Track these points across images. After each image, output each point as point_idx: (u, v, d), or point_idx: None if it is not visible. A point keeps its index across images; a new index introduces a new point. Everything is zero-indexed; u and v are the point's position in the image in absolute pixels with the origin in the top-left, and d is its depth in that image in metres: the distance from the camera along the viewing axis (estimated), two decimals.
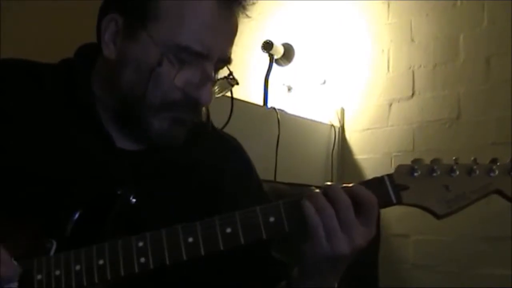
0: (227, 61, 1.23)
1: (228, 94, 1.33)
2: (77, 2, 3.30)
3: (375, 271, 2.84)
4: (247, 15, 1.22)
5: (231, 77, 1.25)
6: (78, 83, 1.25)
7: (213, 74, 1.19)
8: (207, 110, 1.34)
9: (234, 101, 2.72)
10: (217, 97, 1.25)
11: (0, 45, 2.80)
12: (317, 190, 1.06)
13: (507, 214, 2.47)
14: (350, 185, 1.06)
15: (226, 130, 1.42)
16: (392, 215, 2.95)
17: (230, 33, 1.22)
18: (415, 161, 1.07)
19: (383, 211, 3.05)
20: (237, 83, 1.26)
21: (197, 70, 1.17)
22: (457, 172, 1.04)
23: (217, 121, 1.38)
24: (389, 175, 1.07)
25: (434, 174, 1.05)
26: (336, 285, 1.12)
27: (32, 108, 1.23)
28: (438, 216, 1.05)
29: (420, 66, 3.08)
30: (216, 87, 1.24)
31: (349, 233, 1.03)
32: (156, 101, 1.17)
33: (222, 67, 1.23)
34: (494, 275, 2.63)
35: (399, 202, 1.06)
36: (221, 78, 1.24)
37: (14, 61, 1.31)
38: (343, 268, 1.10)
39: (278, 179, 2.84)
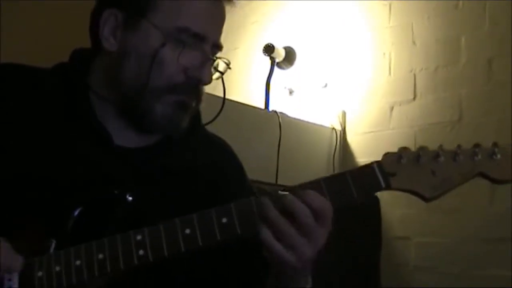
0: (219, 47, 1.29)
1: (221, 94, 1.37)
2: (77, 2, 3.30)
3: (377, 273, 2.84)
4: (233, 3, 1.31)
5: (224, 61, 1.32)
6: (75, 86, 1.27)
7: (211, 55, 1.26)
8: (199, 112, 1.36)
9: (236, 104, 2.76)
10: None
11: (0, 45, 2.81)
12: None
13: (508, 216, 2.47)
14: (304, 190, 1.07)
15: (227, 133, 1.43)
16: (394, 217, 2.95)
17: (220, 19, 1.30)
18: (402, 149, 1.15)
19: (385, 214, 3.05)
20: (229, 67, 1.33)
21: (197, 52, 1.24)
22: (442, 158, 1.10)
23: (215, 122, 1.41)
24: (377, 162, 1.12)
25: (421, 160, 1.10)
26: (309, 285, 1.14)
27: (31, 111, 1.24)
28: (426, 199, 1.09)
29: (422, 68, 3.07)
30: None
31: (309, 237, 1.05)
32: (160, 85, 1.22)
33: (215, 53, 1.29)
34: (495, 277, 2.62)
35: (388, 187, 1.10)
36: (216, 58, 1.29)
37: (12, 66, 1.32)
38: (310, 268, 1.12)
39: (279, 182, 2.85)
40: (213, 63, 1.28)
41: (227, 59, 1.32)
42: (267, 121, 2.97)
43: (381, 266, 2.87)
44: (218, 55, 1.30)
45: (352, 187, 1.09)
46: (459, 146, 1.10)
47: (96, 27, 1.26)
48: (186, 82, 1.23)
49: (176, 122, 1.25)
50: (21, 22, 3.38)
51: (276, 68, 3.42)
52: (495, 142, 1.08)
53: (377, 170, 1.10)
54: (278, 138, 2.93)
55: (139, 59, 1.23)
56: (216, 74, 1.32)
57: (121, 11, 1.24)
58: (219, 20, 1.29)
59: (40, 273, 1.07)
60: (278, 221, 1.04)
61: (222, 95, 1.38)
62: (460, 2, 2.98)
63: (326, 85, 3.40)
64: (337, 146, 3.26)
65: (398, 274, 2.99)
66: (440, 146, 1.11)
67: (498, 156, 1.07)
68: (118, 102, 1.26)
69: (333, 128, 3.27)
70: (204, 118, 1.40)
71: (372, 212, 2.78)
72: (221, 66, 1.33)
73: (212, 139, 1.42)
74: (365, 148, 3.23)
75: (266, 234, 1.04)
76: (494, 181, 1.07)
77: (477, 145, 1.08)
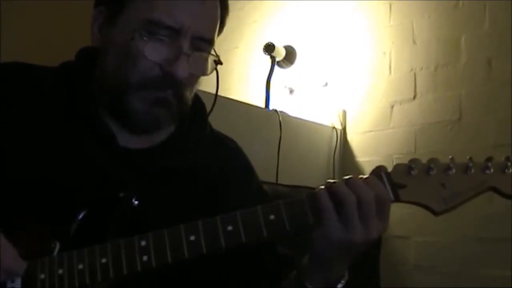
0: (207, 41, 1.24)
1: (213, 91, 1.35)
2: (77, 2, 3.31)
3: (376, 272, 2.84)
4: None
5: (215, 56, 1.27)
6: (78, 86, 1.26)
7: (187, 49, 1.20)
8: (205, 112, 1.35)
9: (236, 103, 2.75)
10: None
11: (0, 45, 2.81)
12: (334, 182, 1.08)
13: (507, 215, 2.47)
14: (369, 178, 1.08)
15: (227, 132, 1.42)
16: (393, 216, 2.90)
17: (204, 11, 1.23)
18: (412, 160, 1.09)
19: None
20: (221, 63, 1.27)
21: (172, 46, 1.19)
22: (453, 170, 1.06)
23: (215, 121, 1.39)
24: (387, 173, 1.09)
25: (431, 173, 1.07)
26: (346, 274, 1.14)
27: (33, 110, 1.24)
28: (435, 213, 1.07)
29: (422, 68, 3.07)
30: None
31: (366, 224, 1.05)
32: (135, 80, 1.19)
33: (205, 48, 1.25)
34: (494, 276, 2.63)
35: (397, 200, 1.08)
36: (193, 51, 1.23)
37: (14, 65, 1.32)
38: (353, 257, 1.12)
39: (279, 181, 2.84)
40: (188, 57, 1.20)
41: (214, 54, 1.27)
42: (267, 120, 2.96)
43: (380, 265, 2.87)
44: (220, 50, 1.27)
45: None
46: (471, 159, 1.06)
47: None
48: (161, 77, 1.19)
49: (155, 118, 1.22)
50: (21, 22, 3.38)
51: (276, 67, 3.42)
52: (508, 156, 1.05)
53: (386, 181, 1.09)
54: (279, 137, 2.93)
55: (118, 53, 1.21)
56: (207, 68, 1.27)
57: (106, 7, 1.25)
58: (203, 11, 1.23)
59: (42, 276, 1.07)
60: (343, 190, 1.05)
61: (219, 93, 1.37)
62: (460, 2, 2.98)
63: (326, 84, 3.41)
64: (338, 145, 3.26)
65: (397, 273, 3.00)
66: (452, 159, 1.07)
67: (511, 170, 1.05)
68: (107, 98, 1.24)
69: (334, 127, 3.28)
70: None
71: None
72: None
73: (219, 139, 1.40)
74: (365, 147, 3.24)
75: (331, 218, 1.05)
76: (505, 196, 1.05)
77: (489, 159, 1.06)
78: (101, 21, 1.25)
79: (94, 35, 1.26)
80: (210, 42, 1.25)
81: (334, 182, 1.08)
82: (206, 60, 1.26)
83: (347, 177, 1.08)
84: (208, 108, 1.39)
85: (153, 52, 1.18)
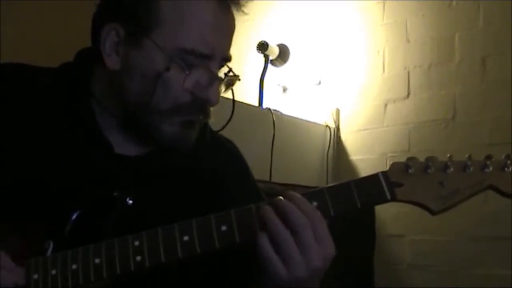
0: (228, 59, 1.23)
1: (229, 95, 1.33)
2: (77, 3, 3.30)
3: (370, 271, 2.84)
4: (243, 11, 1.23)
5: (232, 74, 1.25)
6: (77, 89, 1.25)
7: (217, 73, 1.20)
8: None
9: (229, 102, 2.73)
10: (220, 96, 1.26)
11: (0, 45, 2.80)
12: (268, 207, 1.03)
13: (505, 214, 2.47)
14: (298, 197, 1.03)
15: (222, 131, 1.41)
16: (388, 215, 2.95)
17: (229, 31, 1.23)
18: (410, 158, 1.06)
19: (379, 211, 3.05)
20: (239, 79, 1.27)
21: (204, 71, 1.17)
22: (452, 169, 1.04)
23: (216, 122, 1.38)
24: (383, 172, 1.06)
25: (429, 171, 1.04)
26: None
27: (31, 113, 1.23)
28: (433, 212, 1.04)
29: (416, 66, 3.08)
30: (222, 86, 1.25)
31: (306, 255, 1.00)
32: (165, 107, 1.17)
33: (223, 66, 1.24)
34: (491, 275, 2.63)
35: (394, 199, 1.05)
36: (225, 75, 1.24)
37: (13, 65, 1.31)
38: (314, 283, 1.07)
39: (273, 180, 2.84)
40: (222, 81, 1.21)
41: (235, 74, 1.26)
42: (261, 118, 2.96)
43: (374, 264, 2.87)
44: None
45: (357, 197, 1.05)
46: (469, 157, 1.04)
47: (97, 38, 1.20)
48: (193, 102, 1.17)
49: (184, 140, 1.21)
50: (21, 22, 3.36)
51: (269, 66, 3.41)
52: (508, 154, 1.03)
53: (382, 180, 1.05)
54: (272, 136, 2.93)
55: (143, 80, 1.16)
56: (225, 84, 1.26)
57: (123, 26, 1.17)
58: (228, 32, 1.22)
59: (36, 276, 1.06)
60: (278, 228, 1.00)
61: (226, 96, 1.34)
62: (454, 1, 2.98)
63: (320, 83, 3.41)
64: (331, 144, 3.27)
65: (392, 272, 3.00)
66: (450, 157, 1.05)
67: (510, 168, 1.02)
68: (122, 117, 1.22)
69: (327, 126, 3.28)
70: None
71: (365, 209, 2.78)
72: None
73: (217, 141, 1.38)
74: (359, 146, 3.24)
75: (263, 240, 1.01)
76: (504, 195, 1.03)
77: (488, 157, 1.03)
78: (116, 40, 1.18)
79: (108, 55, 1.19)
80: (230, 60, 1.24)
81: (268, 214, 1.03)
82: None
83: (279, 198, 1.03)
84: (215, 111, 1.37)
85: (189, 82, 1.16)
